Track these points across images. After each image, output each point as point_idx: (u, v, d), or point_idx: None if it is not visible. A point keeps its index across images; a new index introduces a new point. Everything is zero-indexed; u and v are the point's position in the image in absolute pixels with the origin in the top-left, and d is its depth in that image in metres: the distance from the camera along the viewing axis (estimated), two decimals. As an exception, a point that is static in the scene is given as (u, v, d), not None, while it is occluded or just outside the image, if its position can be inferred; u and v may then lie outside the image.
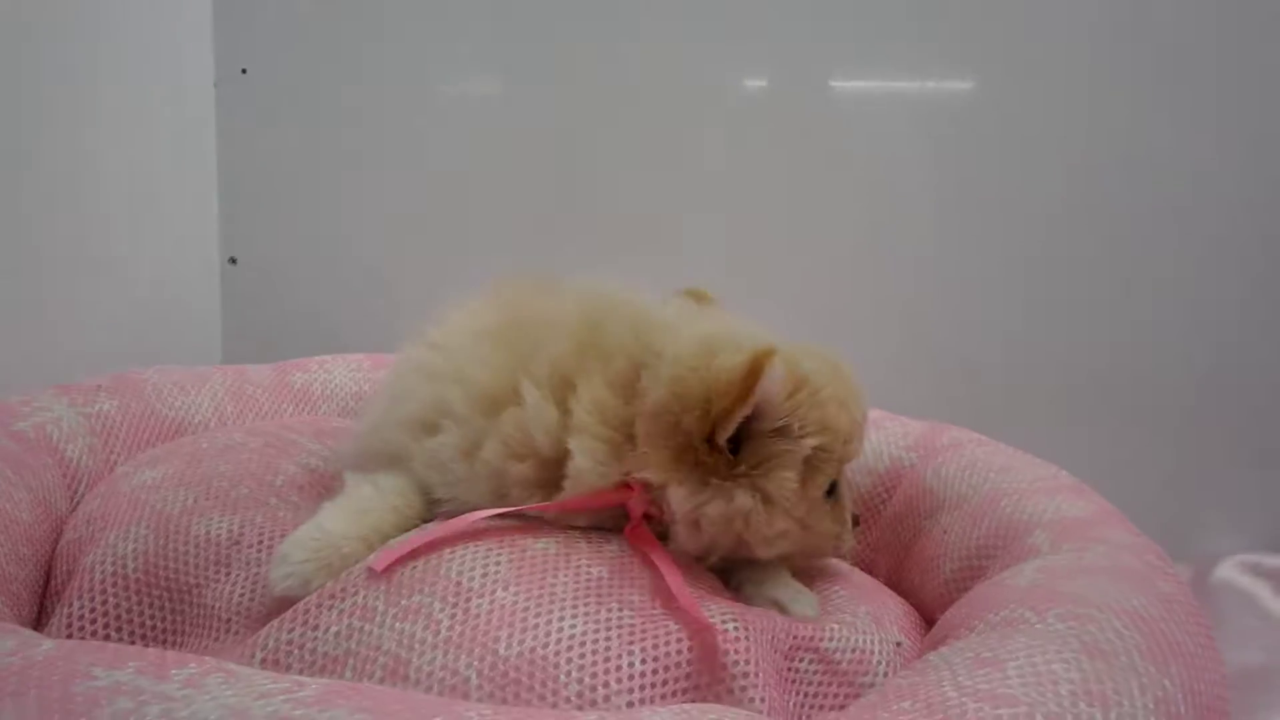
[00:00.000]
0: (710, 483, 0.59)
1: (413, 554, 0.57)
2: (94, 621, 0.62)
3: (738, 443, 0.59)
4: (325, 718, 0.35)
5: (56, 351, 1.03)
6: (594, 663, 0.50)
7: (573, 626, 0.52)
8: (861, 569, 0.80)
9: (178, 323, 1.26)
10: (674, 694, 0.50)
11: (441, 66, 1.30)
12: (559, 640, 0.51)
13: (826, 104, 1.27)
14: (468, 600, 0.54)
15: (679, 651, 0.51)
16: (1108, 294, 1.23)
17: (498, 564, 0.56)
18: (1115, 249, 1.22)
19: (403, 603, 0.54)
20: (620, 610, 0.54)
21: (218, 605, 0.61)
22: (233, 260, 1.33)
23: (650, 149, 1.29)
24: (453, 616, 0.53)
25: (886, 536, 0.82)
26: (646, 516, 0.62)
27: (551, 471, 0.62)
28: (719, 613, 0.54)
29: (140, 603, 0.62)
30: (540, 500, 0.62)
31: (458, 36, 1.28)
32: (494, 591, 0.54)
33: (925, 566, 0.73)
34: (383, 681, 0.50)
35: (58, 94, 1.05)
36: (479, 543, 0.58)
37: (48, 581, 0.69)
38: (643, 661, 0.50)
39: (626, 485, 0.60)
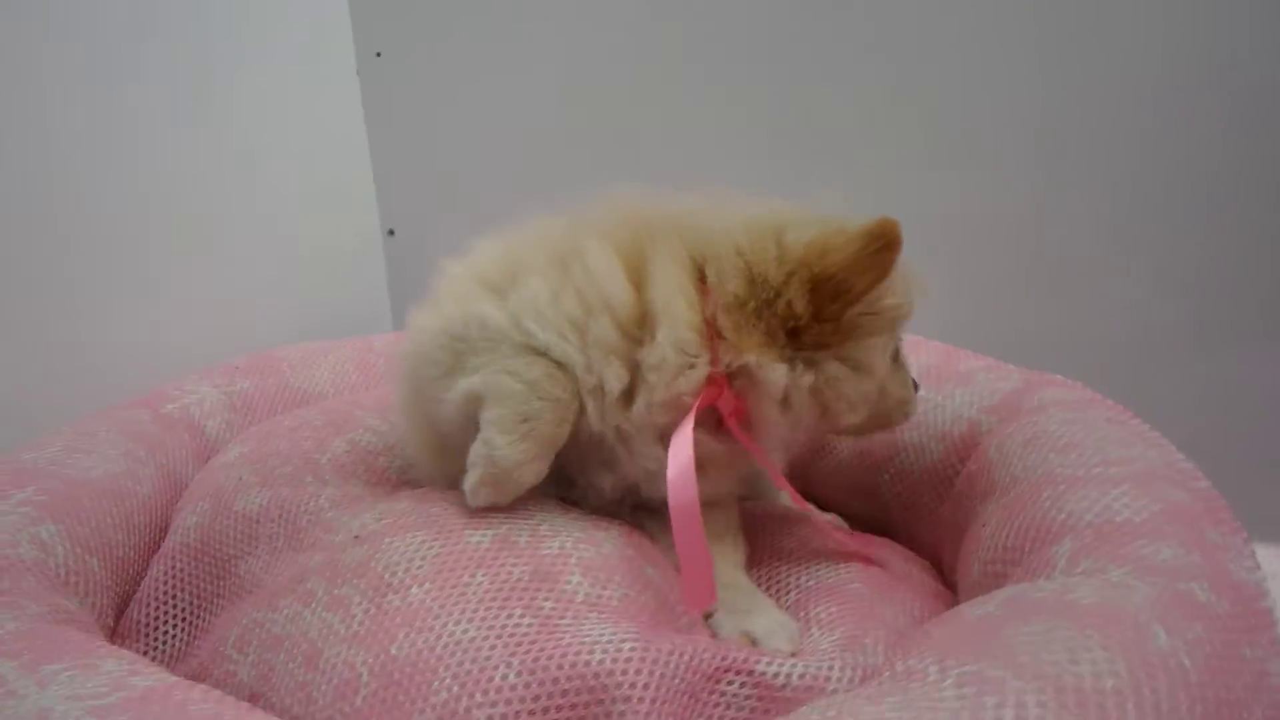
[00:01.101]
0: (802, 357, 0.60)
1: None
2: (167, 585, 0.72)
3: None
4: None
5: (236, 329, 1.20)
6: (469, 671, 0.49)
7: (465, 631, 0.51)
8: (926, 557, 0.70)
9: (349, 295, 1.41)
10: (545, 710, 0.48)
11: (570, 26, 1.27)
12: (446, 644, 0.51)
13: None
14: (384, 595, 0.55)
15: (559, 668, 0.49)
16: None
17: (423, 559, 0.57)
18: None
19: (335, 591, 0.57)
20: (522, 616, 0.52)
21: (247, 577, 0.69)
22: (391, 232, 1.45)
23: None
24: (366, 611, 0.55)
25: (949, 519, 0.70)
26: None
27: (630, 343, 0.60)
28: (623, 632, 0.51)
29: (196, 570, 0.72)
30: (620, 371, 0.59)
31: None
32: (409, 588, 0.55)
33: (965, 562, 0.62)
34: (301, 667, 0.54)
35: (214, 90, 1.18)
36: (418, 533, 0.59)
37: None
38: (517, 674, 0.48)
39: (713, 383, 0.60)
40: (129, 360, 1.06)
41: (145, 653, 0.68)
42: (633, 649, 0.49)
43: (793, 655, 0.53)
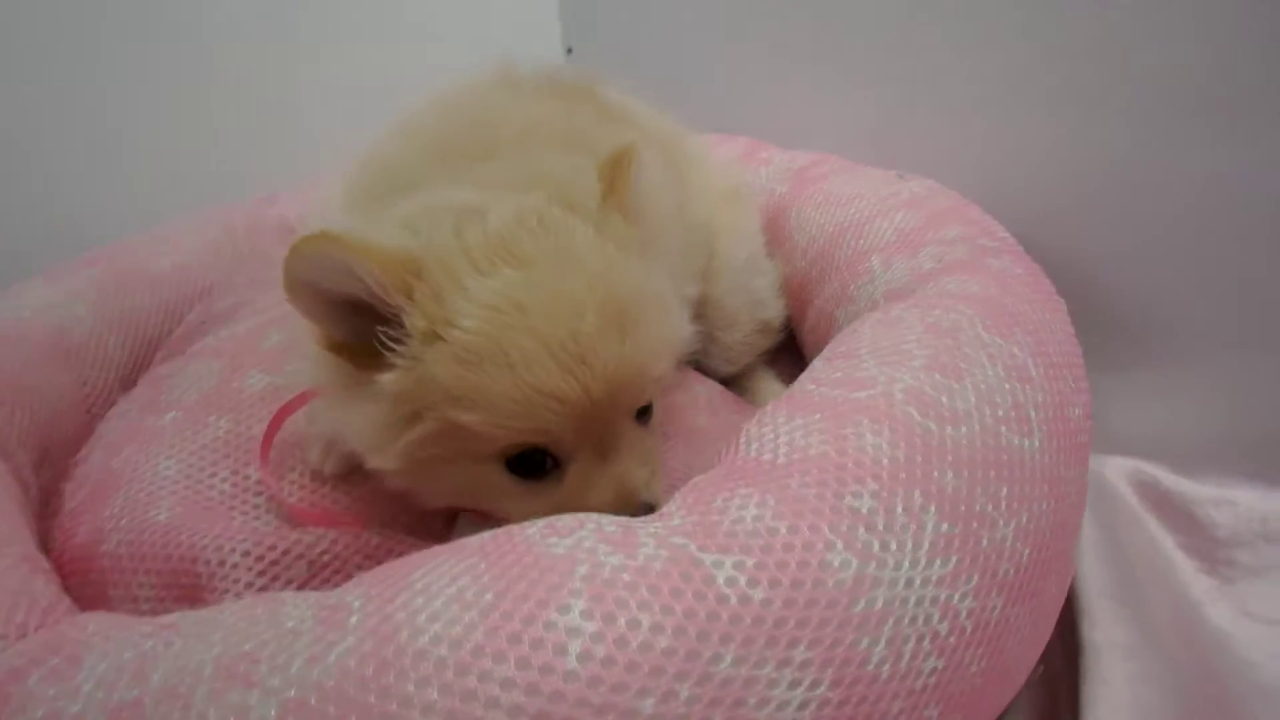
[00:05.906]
0: None
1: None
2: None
3: None
4: None
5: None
6: (137, 497, 0.53)
7: (165, 467, 0.55)
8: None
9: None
10: (162, 560, 0.50)
11: None
12: (143, 471, 0.54)
13: None
14: (146, 415, 0.60)
15: (181, 537, 0.51)
16: None
17: (198, 390, 0.62)
18: None
19: (144, 401, 0.65)
20: (213, 478, 0.55)
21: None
22: (569, 50, 1.43)
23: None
24: (134, 421, 0.60)
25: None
26: None
27: None
28: (246, 530, 0.52)
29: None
30: None
31: None
32: (166, 413, 0.59)
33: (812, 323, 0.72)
34: (97, 461, 0.61)
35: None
36: (215, 362, 0.65)
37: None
38: (169, 515, 0.52)
39: None
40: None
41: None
42: (242, 541, 0.50)
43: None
